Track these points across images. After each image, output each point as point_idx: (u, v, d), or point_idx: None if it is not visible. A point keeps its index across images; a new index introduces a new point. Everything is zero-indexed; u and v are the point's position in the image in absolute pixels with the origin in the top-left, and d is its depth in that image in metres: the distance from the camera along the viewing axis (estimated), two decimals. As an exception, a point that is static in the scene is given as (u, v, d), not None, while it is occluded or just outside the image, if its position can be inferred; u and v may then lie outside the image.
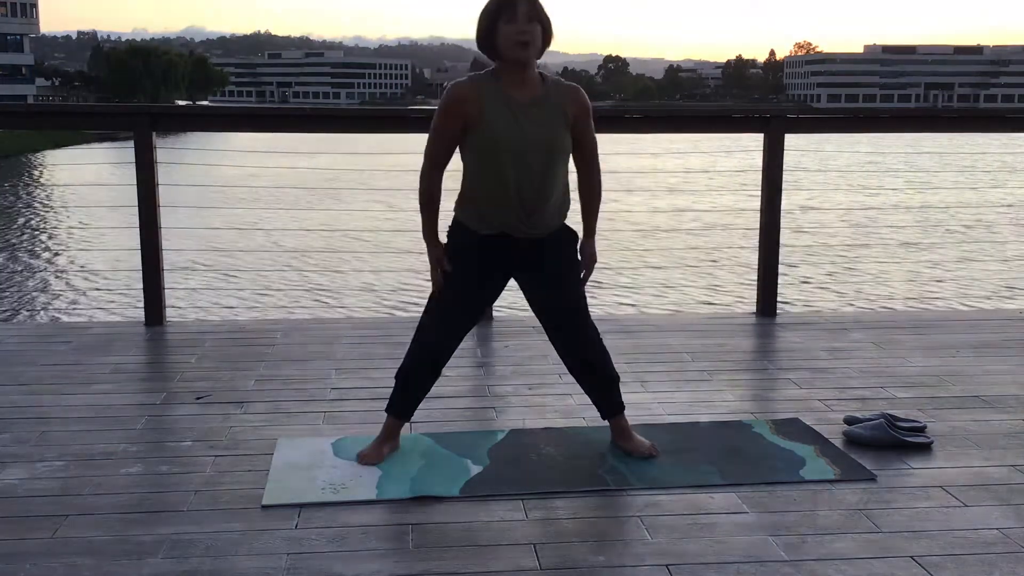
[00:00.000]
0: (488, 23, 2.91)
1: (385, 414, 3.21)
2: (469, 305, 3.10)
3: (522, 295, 3.19)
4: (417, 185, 3.03)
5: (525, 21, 2.87)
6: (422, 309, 3.18)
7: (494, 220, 2.98)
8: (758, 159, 5.11)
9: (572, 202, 3.11)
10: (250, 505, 2.80)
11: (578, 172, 3.13)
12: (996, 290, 12.82)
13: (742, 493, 2.90)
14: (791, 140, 5.07)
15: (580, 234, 3.15)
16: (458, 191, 3.06)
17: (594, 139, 3.10)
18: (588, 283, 3.18)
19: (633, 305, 11.60)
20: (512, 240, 3.00)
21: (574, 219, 3.12)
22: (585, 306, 3.14)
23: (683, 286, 12.89)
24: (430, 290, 3.17)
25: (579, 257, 3.13)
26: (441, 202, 3.07)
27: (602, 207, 3.19)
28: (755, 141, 5.18)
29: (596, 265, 3.16)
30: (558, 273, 3.08)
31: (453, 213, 3.09)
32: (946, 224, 18.23)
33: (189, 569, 2.42)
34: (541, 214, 2.98)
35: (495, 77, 2.95)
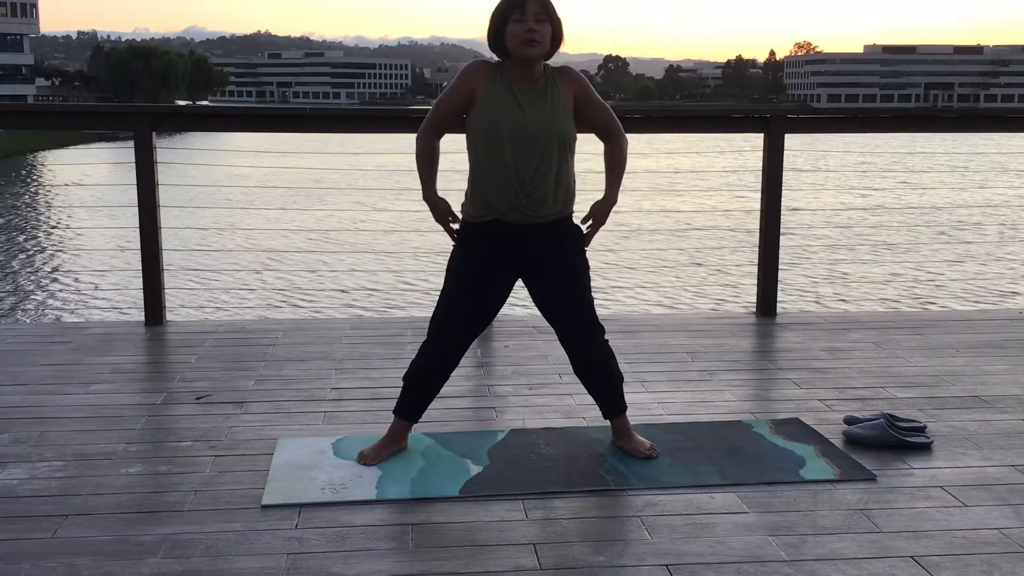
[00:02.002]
0: (498, 22, 2.95)
1: (392, 415, 3.21)
2: (479, 306, 3.10)
3: (522, 295, 3.20)
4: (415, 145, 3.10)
5: (533, 20, 2.89)
6: (424, 309, 3.18)
7: (496, 201, 2.99)
8: (758, 159, 5.11)
9: (579, 192, 3.11)
10: (250, 505, 2.80)
11: (605, 140, 3.15)
12: (993, 291, 12.82)
13: (742, 493, 2.90)
14: (791, 140, 5.07)
15: (590, 225, 3.17)
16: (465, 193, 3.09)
17: (604, 107, 3.10)
18: (593, 282, 3.18)
19: (633, 305, 11.61)
20: (516, 231, 3.00)
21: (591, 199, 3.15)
22: (591, 305, 3.14)
23: (683, 286, 12.90)
24: (436, 291, 3.17)
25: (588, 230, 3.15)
26: (447, 203, 3.12)
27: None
28: (755, 141, 5.18)
29: (597, 265, 3.16)
30: (564, 271, 3.08)
31: (460, 215, 3.10)
32: (946, 225, 18.23)
33: (189, 569, 2.43)
34: (541, 198, 2.98)
35: (505, 69, 3.00)
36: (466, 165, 3.07)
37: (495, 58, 3.06)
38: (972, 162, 27.61)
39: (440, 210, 3.11)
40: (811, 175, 19.21)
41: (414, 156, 3.12)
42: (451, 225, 3.12)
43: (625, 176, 3.18)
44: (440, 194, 3.14)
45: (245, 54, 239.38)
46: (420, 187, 3.13)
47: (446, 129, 3.10)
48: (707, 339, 4.63)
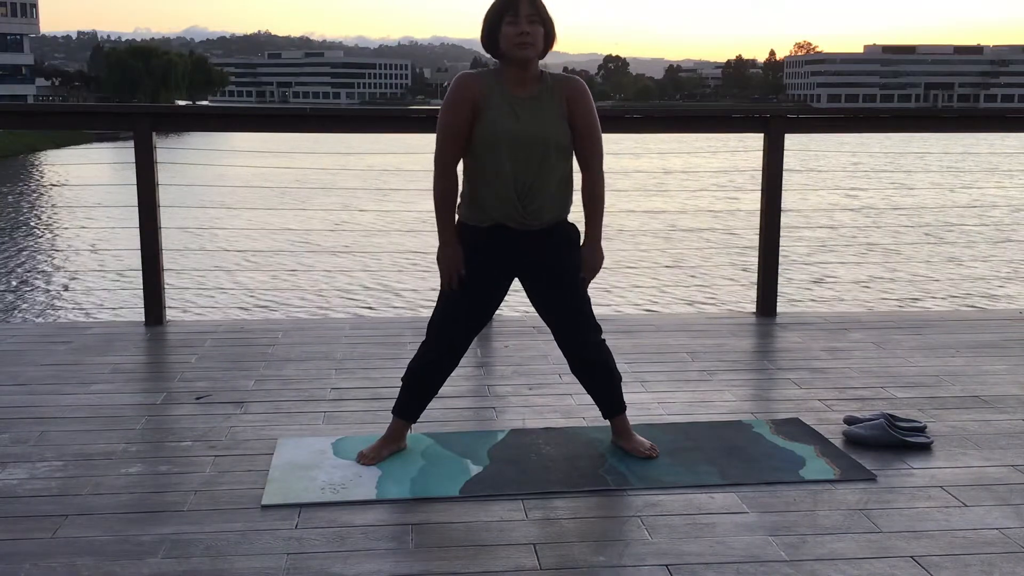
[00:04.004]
0: (491, 24, 2.95)
1: (390, 415, 3.21)
2: (476, 307, 3.10)
3: (522, 295, 3.20)
4: (432, 186, 3.02)
5: (526, 22, 2.90)
6: (424, 309, 3.18)
7: (493, 211, 2.99)
8: (758, 159, 5.11)
9: (575, 202, 3.10)
10: (250, 505, 2.80)
11: (581, 170, 3.09)
12: (991, 291, 12.82)
13: (742, 493, 2.90)
14: (791, 140, 5.07)
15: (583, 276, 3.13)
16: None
17: (594, 127, 3.02)
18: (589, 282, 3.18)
19: (633, 305, 11.61)
20: (513, 235, 3.00)
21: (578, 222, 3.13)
22: (587, 305, 3.14)
23: (683, 286, 12.90)
24: (437, 291, 3.17)
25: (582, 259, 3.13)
26: (461, 254, 3.05)
27: (607, 205, 3.17)
28: (755, 141, 5.17)
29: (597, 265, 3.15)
30: (560, 271, 3.08)
31: (456, 215, 3.09)
32: (943, 225, 18.23)
33: (189, 569, 2.43)
34: (539, 205, 2.98)
35: (498, 74, 2.99)
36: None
37: (490, 61, 3.06)
38: (963, 162, 27.63)
39: (456, 258, 3.02)
40: (806, 175, 19.19)
41: (432, 197, 3.00)
42: (458, 272, 3.03)
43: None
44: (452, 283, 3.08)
45: (245, 54, 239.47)
46: (438, 232, 3.02)
47: (460, 156, 3.01)
48: (707, 339, 4.63)
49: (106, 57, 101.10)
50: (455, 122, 2.96)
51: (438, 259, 3.07)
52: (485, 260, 3.04)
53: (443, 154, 3.00)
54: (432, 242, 3.11)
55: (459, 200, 3.07)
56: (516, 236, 3.01)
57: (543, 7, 2.95)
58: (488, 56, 3.06)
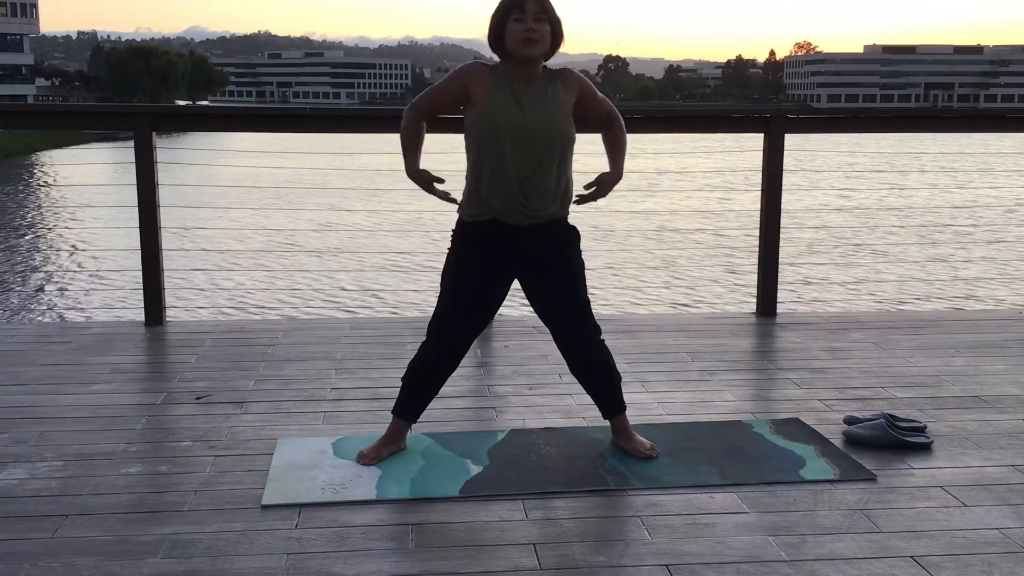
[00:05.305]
0: (498, 22, 2.96)
1: (390, 415, 3.21)
2: (476, 307, 3.11)
3: (522, 295, 3.20)
4: (399, 135, 3.07)
5: (533, 20, 2.90)
6: (423, 309, 3.18)
7: (494, 203, 2.99)
8: (758, 159, 5.11)
9: (576, 193, 3.12)
10: (250, 505, 2.80)
11: (604, 131, 3.18)
12: (990, 291, 12.82)
13: (742, 493, 2.90)
14: (791, 140, 5.07)
15: (587, 225, 3.17)
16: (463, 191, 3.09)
17: (605, 101, 3.15)
18: (588, 284, 3.18)
19: (633, 305, 11.61)
20: (513, 230, 3.01)
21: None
22: (587, 305, 3.14)
23: (683, 286, 12.90)
24: (437, 291, 3.17)
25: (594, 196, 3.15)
26: (427, 172, 3.09)
27: (603, 204, 3.20)
28: (755, 141, 5.17)
29: (596, 264, 3.16)
30: (560, 269, 3.09)
31: (458, 215, 3.10)
32: (940, 225, 18.23)
33: (189, 569, 2.43)
34: (540, 198, 2.99)
35: (504, 70, 3.00)
36: (462, 166, 3.07)
37: (495, 59, 3.06)
38: (957, 163, 27.65)
39: (424, 180, 3.07)
40: (801, 175, 19.19)
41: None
42: (439, 188, 3.08)
43: (629, 176, 3.18)
44: (440, 192, 3.12)
45: (245, 54, 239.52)
46: (404, 165, 3.08)
47: (432, 117, 3.09)
48: (707, 339, 4.63)
49: (106, 57, 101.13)
50: (451, 87, 3.02)
51: (416, 181, 3.08)
52: (487, 257, 3.05)
53: (422, 102, 3.07)
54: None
55: (462, 197, 3.08)
56: (516, 231, 3.01)
57: (551, 6, 2.96)
58: (492, 56, 3.07)
